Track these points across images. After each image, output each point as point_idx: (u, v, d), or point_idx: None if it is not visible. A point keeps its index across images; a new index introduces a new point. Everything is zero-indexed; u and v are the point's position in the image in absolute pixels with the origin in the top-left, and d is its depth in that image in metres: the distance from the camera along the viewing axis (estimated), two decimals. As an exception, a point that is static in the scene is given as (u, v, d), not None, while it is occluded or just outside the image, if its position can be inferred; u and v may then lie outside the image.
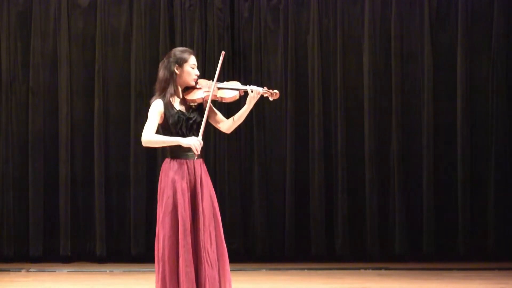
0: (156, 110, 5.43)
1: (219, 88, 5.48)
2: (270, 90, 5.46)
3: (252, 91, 5.44)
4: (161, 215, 5.42)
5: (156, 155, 8.85)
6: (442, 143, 9.06)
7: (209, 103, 5.43)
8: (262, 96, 5.47)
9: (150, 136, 5.41)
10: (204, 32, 9.01)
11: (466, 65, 9.01)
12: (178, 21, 8.98)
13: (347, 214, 8.96)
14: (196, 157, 5.41)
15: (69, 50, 8.92)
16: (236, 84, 5.53)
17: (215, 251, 5.44)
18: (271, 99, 5.49)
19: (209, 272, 5.36)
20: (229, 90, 5.48)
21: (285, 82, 9.02)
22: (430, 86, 9.00)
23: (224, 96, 5.47)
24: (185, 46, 8.83)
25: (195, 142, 5.35)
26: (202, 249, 5.36)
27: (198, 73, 5.52)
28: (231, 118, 5.56)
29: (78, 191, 8.95)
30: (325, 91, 9.04)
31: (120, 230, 8.96)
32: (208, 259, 5.37)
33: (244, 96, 5.52)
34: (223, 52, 5.53)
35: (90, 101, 8.96)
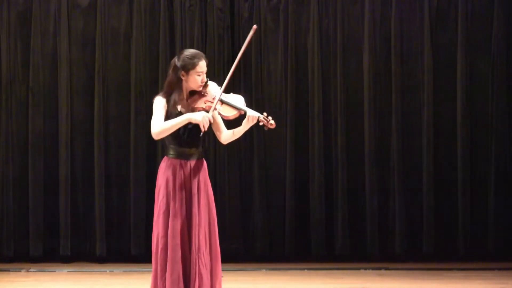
0: (161, 104, 5.42)
1: (222, 102, 5.43)
2: (268, 119, 5.37)
3: (249, 117, 5.37)
4: (156, 214, 5.44)
5: (156, 155, 8.84)
6: (442, 143, 9.06)
7: (211, 113, 5.37)
8: (258, 121, 5.39)
9: (160, 125, 5.34)
10: (204, 32, 9.01)
11: (466, 65, 9.01)
12: (178, 21, 8.98)
13: (347, 214, 8.96)
14: (201, 133, 5.36)
15: (69, 50, 8.92)
16: (239, 101, 5.45)
17: (208, 252, 5.44)
18: (265, 129, 5.43)
19: (203, 273, 5.37)
20: (230, 108, 5.41)
21: (285, 82, 9.02)
22: (430, 86, 9.00)
23: (223, 114, 5.42)
24: (185, 46, 8.92)
25: (204, 118, 5.29)
26: (195, 249, 5.36)
27: (205, 79, 5.47)
28: (229, 131, 5.53)
29: (78, 191, 8.94)
30: (325, 91, 9.04)
31: (120, 230, 8.95)
32: (202, 259, 5.38)
33: (244, 114, 5.47)
34: (254, 26, 5.50)
35: (90, 101, 8.96)
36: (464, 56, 9.00)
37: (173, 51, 8.87)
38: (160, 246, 5.38)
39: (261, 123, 5.39)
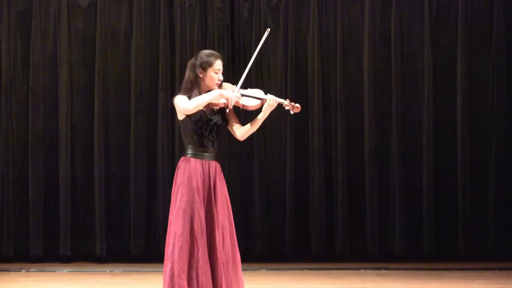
0: (184, 97, 5.45)
1: (242, 95, 5.49)
2: (292, 103, 5.46)
3: (270, 100, 5.44)
4: (174, 213, 5.42)
5: (156, 155, 8.86)
6: (442, 143, 9.06)
7: (230, 108, 5.42)
8: (283, 107, 5.47)
9: (193, 100, 5.38)
10: (204, 32, 9.01)
11: (466, 65, 9.01)
12: (178, 21, 8.98)
13: (347, 214, 8.96)
14: (227, 109, 5.42)
15: (69, 50, 8.92)
16: (259, 93, 5.53)
17: (227, 252, 5.47)
18: (292, 112, 5.50)
19: (225, 273, 5.42)
20: (252, 99, 5.49)
21: (285, 82, 9.02)
22: (430, 86, 9.01)
23: (246, 104, 5.49)
24: (185, 46, 8.94)
25: (232, 95, 5.39)
26: (214, 250, 5.39)
27: (221, 78, 5.53)
28: (246, 125, 5.56)
29: (78, 191, 8.95)
30: (325, 91, 9.04)
31: (120, 230, 8.95)
32: (221, 259, 5.41)
33: None
34: (268, 29, 5.57)
35: (90, 101, 8.96)
36: (464, 56, 9.00)
37: (173, 51, 8.89)
38: (178, 245, 5.36)
39: (286, 107, 5.49)
